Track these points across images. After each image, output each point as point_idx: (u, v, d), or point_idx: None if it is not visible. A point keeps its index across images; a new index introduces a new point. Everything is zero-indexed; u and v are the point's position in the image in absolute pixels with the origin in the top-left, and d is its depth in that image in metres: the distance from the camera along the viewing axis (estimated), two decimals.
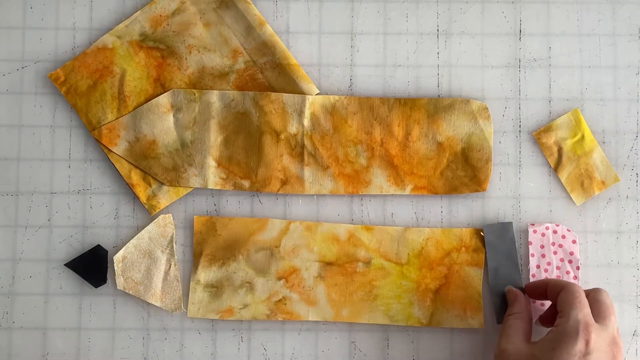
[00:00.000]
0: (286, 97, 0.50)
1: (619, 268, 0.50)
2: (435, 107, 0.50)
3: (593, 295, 0.43)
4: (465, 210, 0.50)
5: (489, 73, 0.51)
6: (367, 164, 0.50)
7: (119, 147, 0.49)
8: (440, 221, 0.50)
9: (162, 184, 0.50)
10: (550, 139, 0.50)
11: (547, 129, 0.50)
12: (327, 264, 0.49)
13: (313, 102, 0.50)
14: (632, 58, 0.51)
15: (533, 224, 0.50)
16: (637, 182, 0.51)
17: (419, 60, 0.51)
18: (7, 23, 0.51)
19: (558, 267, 0.49)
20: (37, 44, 0.51)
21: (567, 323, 0.40)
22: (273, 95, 0.50)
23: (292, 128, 0.50)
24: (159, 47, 0.50)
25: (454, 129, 0.50)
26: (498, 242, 0.49)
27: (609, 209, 0.50)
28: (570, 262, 0.49)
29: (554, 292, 0.44)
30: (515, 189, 0.51)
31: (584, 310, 0.41)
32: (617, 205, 0.50)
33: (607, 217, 0.50)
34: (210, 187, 0.50)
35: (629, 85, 0.51)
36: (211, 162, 0.50)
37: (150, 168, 0.50)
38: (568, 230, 0.49)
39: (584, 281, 0.50)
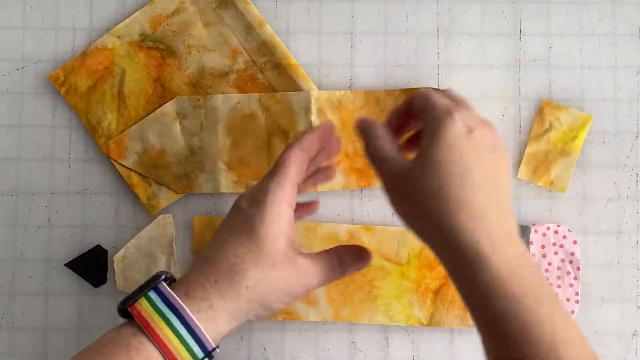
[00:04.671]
0: (291, 95, 0.49)
1: (619, 268, 0.50)
2: None
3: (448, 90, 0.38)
4: None
5: (489, 73, 0.51)
6: None
7: (128, 160, 0.49)
8: None
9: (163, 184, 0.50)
10: (552, 115, 0.50)
11: (557, 107, 0.50)
12: None
13: (319, 97, 0.49)
14: (632, 58, 0.51)
15: (534, 224, 0.50)
16: (637, 182, 0.51)
17: (419, 60, 0.51)
18: (7, 23, 0.51)
19: (559, 268, 0.49)
20: (37, 44, 0.51)
21: (435, 111, 0.34)
22: (278, 95, 0.50)
23: (301, 126, 0.50)
24: (159, 47, 0.50)
25: None
26: None
27: (609, 209, 0.50)
28: (571, 262, 0.49)
29: (405, 108, 0.38)
30: (516, 189, 0.51)
31: (443, 97, 0.36)
32: (617, 205, 0.50)
33: (607, 217, 0.50)
34: (223, 191, 0.49)
35: (629, 85, 0.51)
36: (222, 166, 0.49)
37: (162, 177, 0.49)
38: (569, 231, 0.49)
39: (585, 281, 0.50)
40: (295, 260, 0.35)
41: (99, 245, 0.50)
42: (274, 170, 0.37)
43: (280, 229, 0.35)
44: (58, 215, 0.50)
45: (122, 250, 0.49)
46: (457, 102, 0.36)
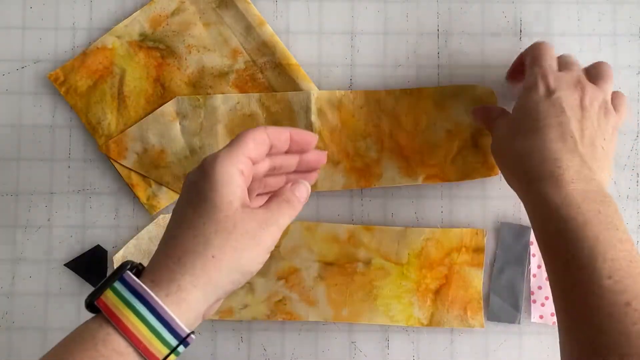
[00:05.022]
0: (291, 95, 0.49)
1: None
2: (441, 95, 0.50)
3: (561, 55, 0.45)
4: (465, 210, 0.50)
5: (489, 73, 0.51)
6: (378, 157, 0.50)
7: (128, 160, 0.49)
8: (440, 221, 0.50)
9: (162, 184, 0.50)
10: None
11: None
12: (327, 264, 0.49)
13: (319, 97, 0.50)
14: (632, 58, 0.51)
15: None
16: (637, 182, 0.51)
17: (419, 60, 0.51)
18: (7, 23, 0.51)
19: None
20: (37, 44, 0.51)
21: (527, 77, 0.43)
22: (278, 95, 0.50)
23: (301, 125, 0.49)
24: (159, 47, 0.50)
25: (462, 115, 0.49)
26: (512, 243, 0.49)
27: None
28: None
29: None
30: None
31: (542, 63, 0.42)
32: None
33: None
34: None
35: (629, 85, 0.51)
36: None
37: (162, 177, 0.49)
38: None
39: None
40: (254, 214, 0.34)
41: (99, 245, 0.50)
42: (227, 145, 0.36)
43: (233, 192, 0.34)
44: (58, 215, 0.50)
45: (122, 250, 0.49)
46: (566, 67, 0.43)
